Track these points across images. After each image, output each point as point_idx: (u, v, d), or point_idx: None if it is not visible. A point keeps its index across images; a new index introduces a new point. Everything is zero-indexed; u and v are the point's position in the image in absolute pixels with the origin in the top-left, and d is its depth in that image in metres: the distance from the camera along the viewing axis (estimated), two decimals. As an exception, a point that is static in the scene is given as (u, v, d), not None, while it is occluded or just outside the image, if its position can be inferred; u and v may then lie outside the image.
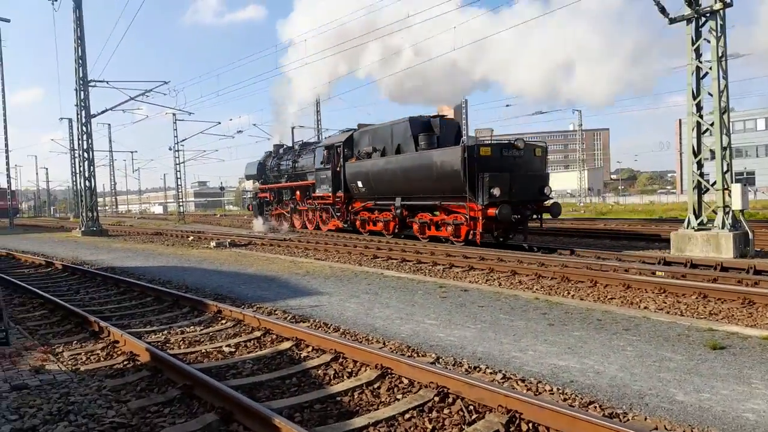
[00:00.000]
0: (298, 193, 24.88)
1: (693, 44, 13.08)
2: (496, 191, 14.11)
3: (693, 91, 13.18)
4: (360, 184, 19.55)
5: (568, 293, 8.73)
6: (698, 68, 13.16)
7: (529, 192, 15.08)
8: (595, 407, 4.06)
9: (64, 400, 4.36)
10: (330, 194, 21.48)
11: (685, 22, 13.12)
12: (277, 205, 27.26)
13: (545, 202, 15.53)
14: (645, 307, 7.58)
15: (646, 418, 3.85)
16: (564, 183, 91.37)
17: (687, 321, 6.54)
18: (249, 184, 31.49)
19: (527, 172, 15.19)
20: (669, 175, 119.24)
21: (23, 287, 9.80)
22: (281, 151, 27.30)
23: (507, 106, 55.66)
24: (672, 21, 13.36)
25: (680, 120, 71.05)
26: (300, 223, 25.21)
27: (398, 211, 17.99)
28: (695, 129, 13.27)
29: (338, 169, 20.78)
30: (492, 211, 14.06)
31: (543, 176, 15.71)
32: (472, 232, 15.03)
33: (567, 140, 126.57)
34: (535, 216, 15.47)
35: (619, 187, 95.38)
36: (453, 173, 14.81)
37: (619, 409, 4.02)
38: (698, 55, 13.17)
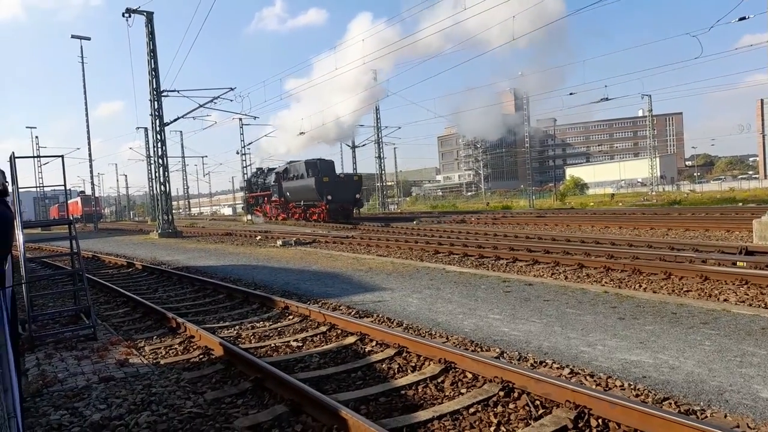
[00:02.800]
0: (265, 198, 40.72)
1: (774, 17, 12.17)
2: (329, 197, 30.46)
3: (775, 68, 12.28)
4: (289, 194, 35.80)
5: (640, 286, 8.38)
6: (781, 43, 12.23)
7: (349, 197, 31.50)
8: (670, 404, 3.89)
9: (146, 391, 4.66)
10: (278, 199, 37.65)
11: (764, -6, 12.23)
12: (257, 206, 43.58)
13: (357, 202, 33.09)
14: (725, 300, 7.17)
15: (726, 416, 3.66)
16: (634, 171, 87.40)
17: (772, 314, 6.12)
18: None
19: (348, 188, 31.60)
20: (750, 159, 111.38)
21: (108, 287, 10.50)
22: (259, 172, 44.37)
23: (570, 94, 53.88)
24: (749, -6, 12.49)
25: (762, 100, 66.11)
26: (268, 216, 40.19)
27: (303, 207, 34.02)
28: (779, 108, 12.35)
29: (282, 185, 36.73)
30: (327, 206, 30.70)
31: (357, 189, 32.31)
32: (324, 216, 31.24)
33: (636, 127, 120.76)
34: (355, 208, 33.40)
35: (695, 174, 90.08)
36: (313, 189, 31.26)
37: (696, 405, 3.84)
38: (780, 29, 12.25)
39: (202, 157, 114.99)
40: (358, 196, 32.49)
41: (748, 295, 7.34)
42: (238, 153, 50.36)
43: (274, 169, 40.45)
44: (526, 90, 45.59)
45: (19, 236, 6.73)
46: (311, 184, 31.22)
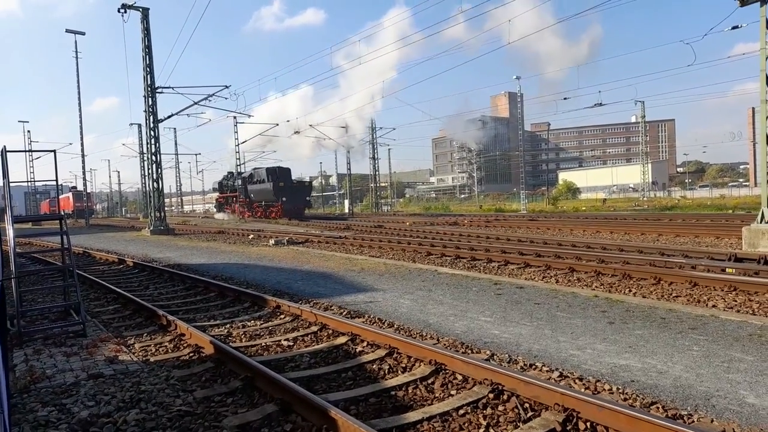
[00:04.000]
0: (234, 198, 46.44)
1: None
2: (284, 198, 37.48)
3: (767, 77, 12.40)
4: (252, 195, 42.29)
5: (630, 291, 8.44)
6: (773, 52, 12.37)
7: (300, 199, 38.68)
8: (658, 408, 3.92)
9: (135, 389, 4.64)
10: (244, 200, 43.76)
11: (759, 3, 12.36)
12: (226, 205, 48.99)
13: (307, 203, 40.58)
14: (713, 306, 7.23)
15: (712, 421, 3.70)
16: (626, 177, 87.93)
17: (759, 320, 6.18)
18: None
19: (299, 191, 39.14)
20: (741, 166, 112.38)
21: (99, 283, 10.44)
22: (229, 175, 49.48)
23: (564, 99, 54.19)
24: (744, 3, 12.62)
25: (753, 108, 66.82)
26: (237, 214, 45.23)
27: (263, 207, 40.55)
28: (770, 117, 12.48)
29: (247, 187, 43.01)
30: (282, 206, 37.44)
31: (307, 192, 40.94)
32: (280, 214, 37.60)
33: (629, 132, 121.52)
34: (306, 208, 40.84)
35: (686, 180, 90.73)
36: (271, 192, 38.35)
37: (683, 410, 3.87)
38: (773, 39, 12.37)
39: (196, 154, 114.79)
40: (308, 198, 41.35)
41: (736, 301, 7.41)
42: (235, 151, 50.56)
43: (241, 173, 47.19)
44: (522, 93, 45.70)
45: (9, 231, 6.69)
46: (270, 188, 38.76)
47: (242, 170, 48.48)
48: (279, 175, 39.59)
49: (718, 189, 68.79)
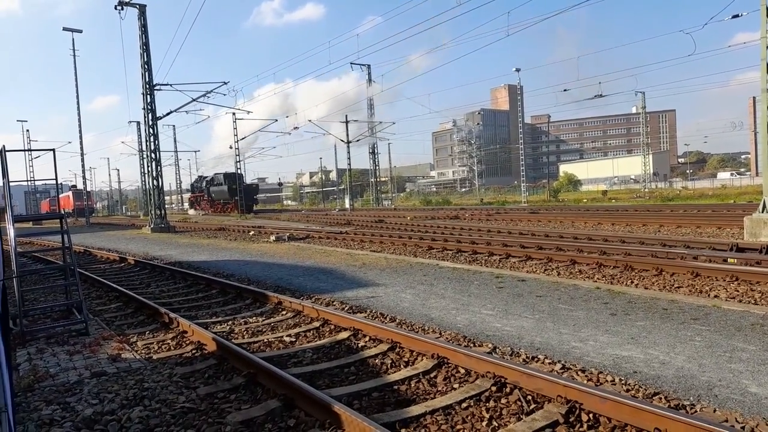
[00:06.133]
0: (200, 197, 56.16)
1: None
2: (238, 197, 47.04)
3: None
4: (213, 195, 52.36)
5: (632, 282, 8.43)
6: (773, 41, 12.31)
7: (249, 198, 49.17)
8: (660, 398, 3.93)
9: (138, 386, 4.65)
10: (208, 198, 53.54)
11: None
12: (196, 203, 58.65)
13: (255, 200, 53.36)
14: (715, 296, 7.23)
15: (715, 410, 3.70)
16: (627, 168, 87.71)
17: (761, 310, 6.18)
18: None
19: (248, 192, 49.40)
20: (742, 156, 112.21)
21: (100, 282, 10.45)
22: (199, 178, 58.85)
23: (564, 90, 53.88)
24: (742, -8, 12.55)
25: (754, 98, 66.71)
26: (205, 210, 54.50)
27: (222, 203, 51.09)
28: (770, 106, 12.44)
29: (210, 188, 52.67)
30: (236, 203, 48.02)
31: (255, 192, 53.08)
32: (233, 210, 48.33)
33: (630, 123, 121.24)
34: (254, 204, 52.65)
35: (687, 171, 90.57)
36: (227, 192, 49.49)
37: (686, 400, 3.87)
38: (773, 27, 12.31)
39: (195, 151, 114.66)
40: (255, 197, 52.60)
41: (738, 291, 7.40)
42: (231, 147, 50.55)
43: (206, 177, 57.37)
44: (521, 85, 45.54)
45: (10, 230, 6.69)
46: (226, 189, 49.15)
47: (240, 168, 49.87)
48: (233, 179, 49.68)
49: (719, 179, 68.55)
